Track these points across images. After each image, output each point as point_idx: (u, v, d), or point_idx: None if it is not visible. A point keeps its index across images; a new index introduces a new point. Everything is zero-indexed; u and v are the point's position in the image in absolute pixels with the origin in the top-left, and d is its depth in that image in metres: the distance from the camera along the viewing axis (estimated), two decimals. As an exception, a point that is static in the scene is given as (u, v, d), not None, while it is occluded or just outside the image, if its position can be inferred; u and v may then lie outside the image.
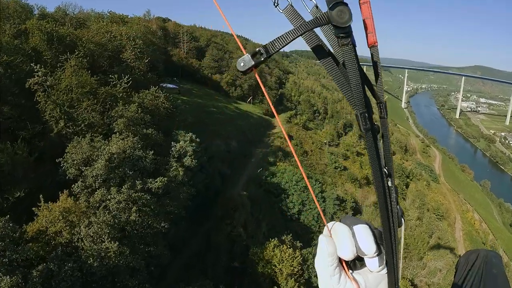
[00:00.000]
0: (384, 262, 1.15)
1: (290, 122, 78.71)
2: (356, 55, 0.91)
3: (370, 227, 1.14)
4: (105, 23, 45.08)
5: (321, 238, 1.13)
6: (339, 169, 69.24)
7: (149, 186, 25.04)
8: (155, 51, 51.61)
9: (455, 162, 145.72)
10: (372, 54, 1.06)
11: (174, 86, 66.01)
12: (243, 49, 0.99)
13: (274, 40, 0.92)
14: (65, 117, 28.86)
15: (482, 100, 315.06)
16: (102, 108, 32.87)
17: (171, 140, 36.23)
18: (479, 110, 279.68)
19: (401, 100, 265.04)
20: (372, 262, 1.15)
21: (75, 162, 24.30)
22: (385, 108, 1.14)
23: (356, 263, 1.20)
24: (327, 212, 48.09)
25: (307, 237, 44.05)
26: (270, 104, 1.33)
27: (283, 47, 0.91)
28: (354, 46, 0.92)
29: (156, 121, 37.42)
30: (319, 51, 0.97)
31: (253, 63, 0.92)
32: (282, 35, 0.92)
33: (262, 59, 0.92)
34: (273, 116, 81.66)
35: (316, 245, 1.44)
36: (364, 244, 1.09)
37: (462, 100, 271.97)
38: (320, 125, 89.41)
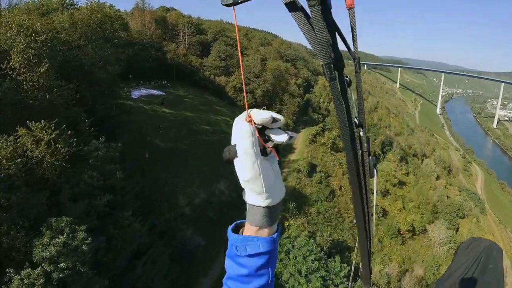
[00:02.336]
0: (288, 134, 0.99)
1: (315, 142, 54.96)
2: (322, 14, 0.84)
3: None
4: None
5: (239, 121, 0.99)
6: (376, 215, 45.45)
7: None
8: (104, 46, 30.04)
9: (494, 178, 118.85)
10: (349, 16, 1.00)
11: (160, 93, 44.49)
12: None
13: None
14: None
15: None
16: None
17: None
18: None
19: (436, 106, 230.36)
20: (279, 134, 0.99)
21: None
22: (359, 64, 1.11)
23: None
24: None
25: None
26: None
27: None
28: (328, 8, 0.87)
29: (23, 196, 16.29)
30: (292, 6, 0.87)
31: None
32: None
33: None
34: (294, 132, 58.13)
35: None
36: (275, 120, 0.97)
37: (500, 108, 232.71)
38: (353, 143, 64.90)
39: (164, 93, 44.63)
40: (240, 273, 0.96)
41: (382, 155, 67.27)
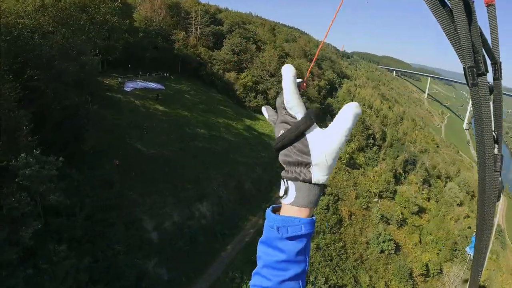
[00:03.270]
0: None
1: (329, 156, 47.32)
2: (465, 12, 0.76)
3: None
4: None
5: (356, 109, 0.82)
6: (386, 252, 38.08)
7: None
8: (79, 33, 24.22)
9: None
10: (488, 14, 0.87)
11: (158, 87, 38.42)
12: None
13: None
14: None
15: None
16: None
17: None
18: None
19: (463, 120, 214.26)
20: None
21: None
22: (500, 69, 0.94)
23: None
24: None
25: None
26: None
27: None
28: (468, 3, 0.77)
29: None
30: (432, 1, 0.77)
31: None
32: None
33: None
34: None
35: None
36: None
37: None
38: (373, 159, 57.00)
39: (163, 87, 38.51)
40: (278, 259, 0.86)
41: (403, 175, 58.98)
